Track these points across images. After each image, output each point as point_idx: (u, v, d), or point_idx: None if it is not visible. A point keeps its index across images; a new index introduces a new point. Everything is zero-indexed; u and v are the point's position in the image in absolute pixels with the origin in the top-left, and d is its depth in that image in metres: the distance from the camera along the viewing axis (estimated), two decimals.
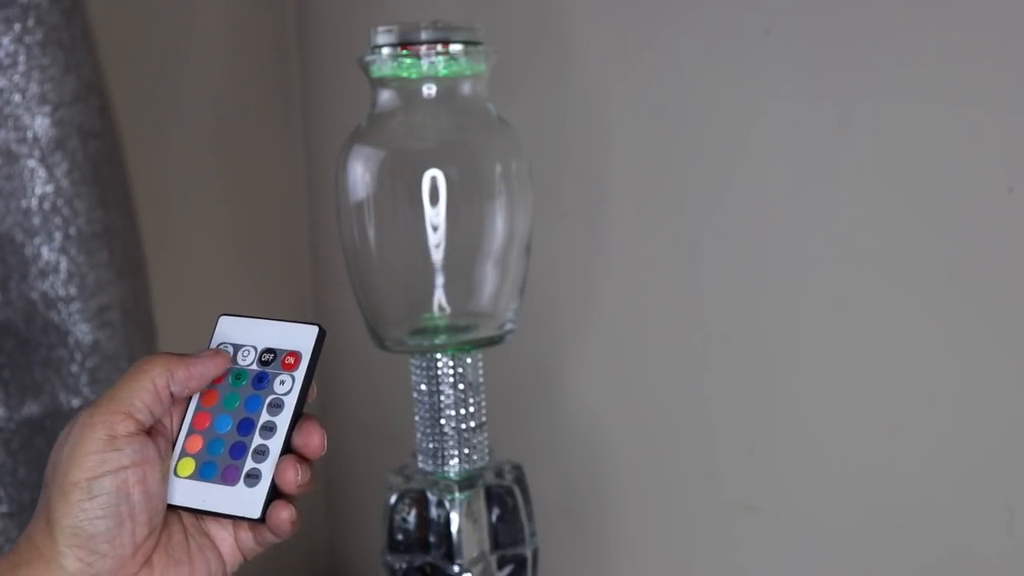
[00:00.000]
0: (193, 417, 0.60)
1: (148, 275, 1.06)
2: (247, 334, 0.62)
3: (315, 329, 0.61)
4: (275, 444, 0.59)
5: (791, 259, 0.90)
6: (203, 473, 0.59)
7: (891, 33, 0.82)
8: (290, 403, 0.59)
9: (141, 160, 1.14)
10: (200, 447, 0.59)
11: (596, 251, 1.04)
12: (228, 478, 0.58)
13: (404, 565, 0.90)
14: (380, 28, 0.86)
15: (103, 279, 0.98)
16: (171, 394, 0.58)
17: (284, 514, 0.58)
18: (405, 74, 0.86)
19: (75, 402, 0.97)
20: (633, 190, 1.00)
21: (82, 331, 0.97)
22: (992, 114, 0.77)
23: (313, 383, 0.61)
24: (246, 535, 0.60)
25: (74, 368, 0.97)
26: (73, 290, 0.97)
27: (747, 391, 0.94)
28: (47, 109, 0.95)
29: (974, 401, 0.81)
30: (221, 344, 0.62)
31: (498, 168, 0.87)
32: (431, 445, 0.89)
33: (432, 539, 0.89)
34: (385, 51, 0.85)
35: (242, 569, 0.61)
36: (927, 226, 0.81)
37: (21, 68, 0.94)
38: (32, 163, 0.95)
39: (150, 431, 0.58)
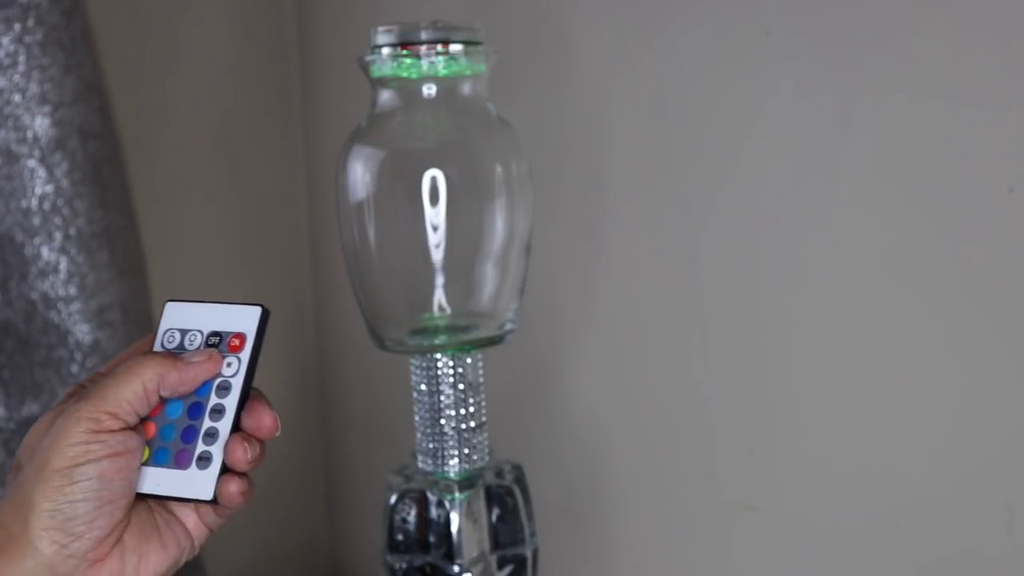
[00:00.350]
0: None
1: (148, 275, 1.06)
2: (193, 318, 0.62)
3: (258, 309, 0.62)
4: (224, 426, 0.60)
5: (790, 259, 0.90)
6: (157, 459, 0.60)
7: (891, 32, 0.82)
8: (237, 384, 0.60)
9: (141, 160, 1.14)
10: (153, 433, 0.60)
11: (595, 251, 1.04)
12: (181, 462, 0.59)
13: (404, 565, 0.90)
14: (380, 28, 0.86)
15: (103, 279, 0.98)
16: (159, 396, 0.59)
17: (232, 488, 0.59)
18: (405, 74, 0.86)
19: None
20: (633, 190, 1.00)
21: (82, 331, 0.97)
22: (992, 114, 0.77)
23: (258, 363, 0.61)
24: (206, 510, 0.61)
25: (74, 368, 0.97)
26: (73, 290, 0.97)
27: (747, 391, 0.94)
28: (47, 109, 0.95)
29: (974, 401, 0.81)
30: (168, 330, 0.62)
31: (498, 168, 0.87)
32: (431, 445, 0.89)
33: (432, 539, 0.89)
34: (385, 51, 0.85)
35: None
36: (927, 225, 0.81)
37: (21, 68, 0.94)
38: (32, 163, 0.95)
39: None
